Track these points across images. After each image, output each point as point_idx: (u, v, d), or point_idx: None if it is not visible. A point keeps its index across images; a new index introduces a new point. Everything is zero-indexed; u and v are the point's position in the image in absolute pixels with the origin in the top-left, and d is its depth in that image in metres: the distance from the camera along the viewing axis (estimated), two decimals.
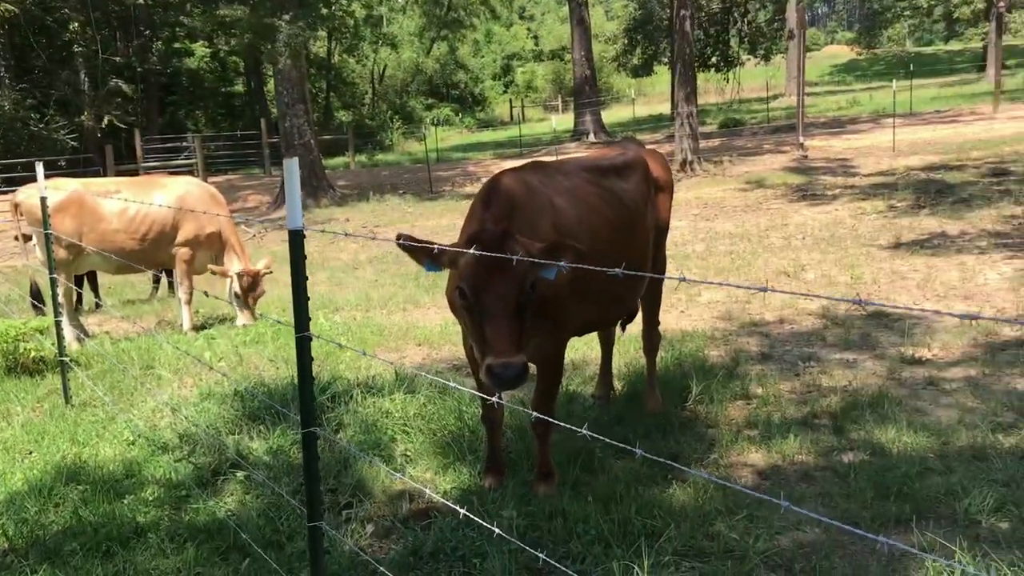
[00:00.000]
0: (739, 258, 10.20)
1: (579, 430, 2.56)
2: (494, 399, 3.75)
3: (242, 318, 8.39)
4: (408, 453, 4.91)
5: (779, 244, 10.99)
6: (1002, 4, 28.60)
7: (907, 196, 13.63)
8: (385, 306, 9.17)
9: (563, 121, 34.66)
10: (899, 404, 5.22)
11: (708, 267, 9.81)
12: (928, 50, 67.03)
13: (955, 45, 66.62)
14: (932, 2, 46.46)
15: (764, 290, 2.07)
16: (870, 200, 13.76)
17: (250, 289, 8.38)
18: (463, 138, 45.60)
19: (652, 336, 5.45)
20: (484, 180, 19.27)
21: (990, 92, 28.48)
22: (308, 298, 2.95)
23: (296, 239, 2.84)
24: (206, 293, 5.04)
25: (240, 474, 4.65)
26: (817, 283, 8.69)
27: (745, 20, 49.01)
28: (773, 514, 3.90)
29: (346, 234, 2.99)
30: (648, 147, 5.54)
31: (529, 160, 4.91)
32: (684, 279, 2.43)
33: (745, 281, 9.05)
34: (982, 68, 44.52)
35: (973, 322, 6.87)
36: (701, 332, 7.11)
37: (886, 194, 14.10)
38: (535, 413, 4.10)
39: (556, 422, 3.15)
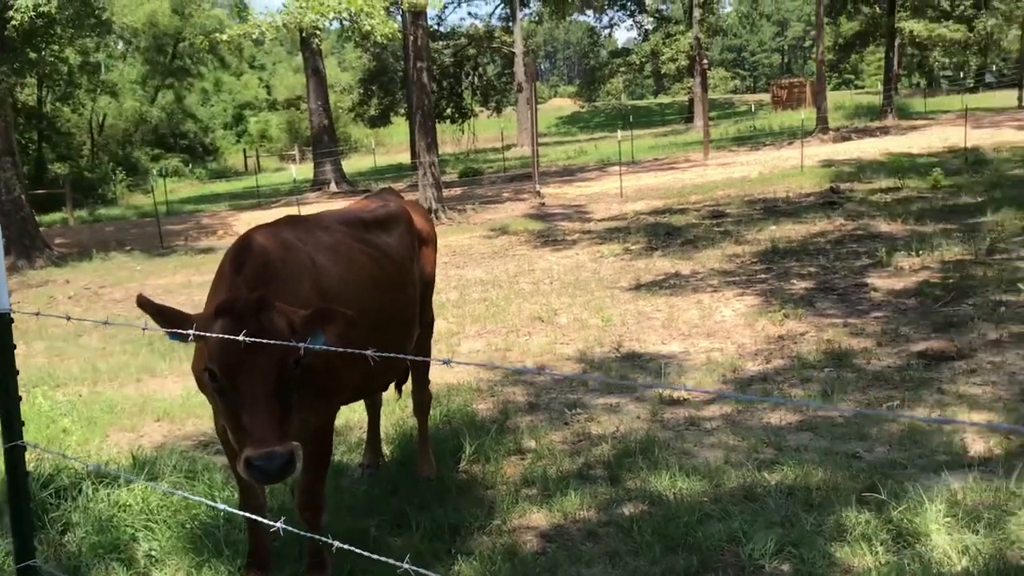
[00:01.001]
0: (493, 305, 10.18)
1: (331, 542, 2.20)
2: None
3: None
4: (153, 553, 4.26)
5: (529, 289, 11.11)
6: (705, 62, 31.45)
7: (640, 239, 14.35)
8: (116, 377, 8.23)
9: (302, 171, 33.86)
10: (667, 447, 5.26)
11: (464, 315, 9.71)
12: (642, 103, 72.71)
13: (664, 99, 72.76)
14: (643, 59, 50.34)
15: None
16: (607, 244, 14.34)
17: None
18: (195, 189, 43.44)
19: (422, 396, 5.16)
20: (220, 233, 18.11)
21: (700, 141, 31.11)
22: (20, 397, 2.37)
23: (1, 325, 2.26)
24: None
25: None
26: (571, 327, 8.81)
27: (476, 74, 50.80)
28: None
29: (68, 318, 2.45)
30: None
31: (283, 215, 4.47)
32: (448, 362, 2.17)
33: (502, 327, 9.01)
34: (690, 119, 48.77)
35: (720, 358, 7.18)
36: (466, 385, 6.91)
37: (620, 238, 14.77)
38: (303, 498, 3.67)
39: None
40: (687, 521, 4.19)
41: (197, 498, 3.89)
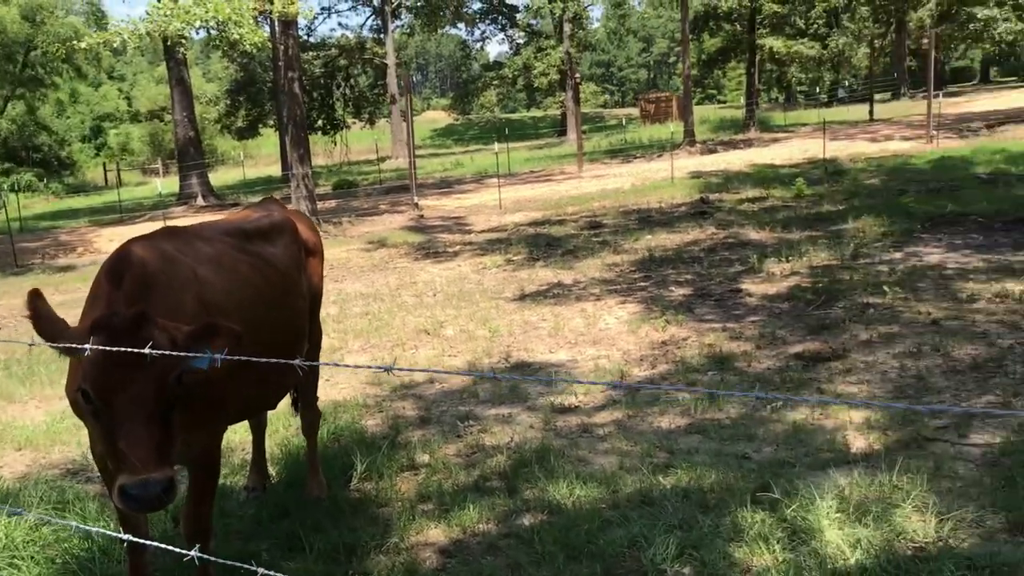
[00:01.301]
0: (376, 319, 10.00)
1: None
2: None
3: None
4: None
5: (412, 302, 10.97)
6: (577, 76, 31.99)
7: (521, 250, 14.41)
8: None
9: (168, 184, 32.60)
10: (562, 455, 5.24)
11: (347, 330, 9.49)
12: (515, 116, 73.42)
13: (536, 112, 73.72)
14: (516, 73, 50.84)
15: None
16: (489, 255, 14.34)
17: None
18: (51, 205, 41.24)
19: (311, 415, 4.96)
20: (80, 250, 17.22)
21: (574, 154, 31.59)
22: None
23: None
24: None
25: None
26: (458, 338, 8.72)
27: (348, 85, 50.21)
28: None
29: None
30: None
31: (161, 227, 4.23)
32: (391, 368, 2.06)
33: (387, 341, 8.85)
34: (563, 132, 49.60)
35: (608, 365, 7.24)
36: (354, 401, 6.73)
37: (502, 249, 14.80)
38: (190, 524, 3.46)
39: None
40: (587, 529, 4.17)
41: (71, 523, 3.61)
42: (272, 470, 5.34)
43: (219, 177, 42.42)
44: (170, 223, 21.26)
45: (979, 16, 35.77)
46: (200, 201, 31.18)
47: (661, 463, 5.02)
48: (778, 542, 3.90)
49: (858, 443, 5.12)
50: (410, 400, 6.80)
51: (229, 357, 2.83)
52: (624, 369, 7.13)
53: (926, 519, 3.98)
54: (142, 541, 3.10)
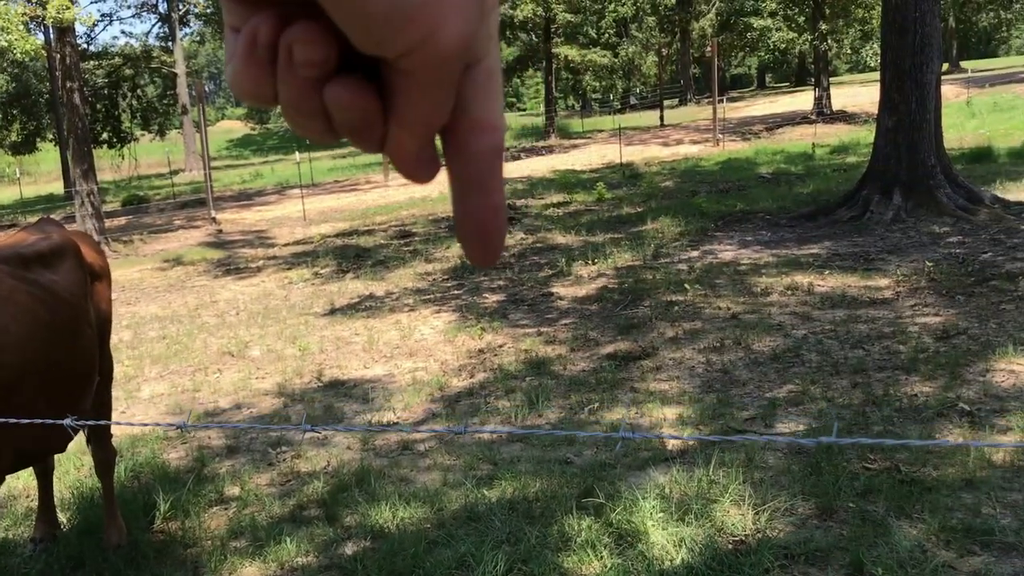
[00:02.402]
0: (175, 342, 9.38)
1: None
2: None
3: None
4: None
5: (214, 322, 10.40)
6: None
7: (329, 262, 14.02)
8: None
9: None
10: (383, 476, 5.05)
11: (143, 356, 8.85)
12: None
13: None
14: None
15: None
16: (295, 269, 13.86)
17: None
18: None
19: (105, 454, 4.50)
20: None
21: (380, 162, 31.22)
22: None
23: None
24: None
25: None
26: (265, 358, 8.32)
27: (135, 95, 47.49)
28: None
29: None
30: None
31: None
32: (184, 426, 1.83)
33: (188, 366, 8.31)
34: None
35: (426, 377, 7.10)
36: (153, 433, 6.23)
37: (309, 262, 14.34)
38: None
39: None
40: (413, 552, 4.01)
41: None
42: (63, 517, 4.84)
43: None
44: None
45: (755, 26, 38.38)
46: None
47: (485, 475, 4.93)
48: (605, 548, 3.89)
49: (674, 440, 5.23)
50: (215, 429, 6.38)
51: None
52: (443, 380, 7.01)
53: (744, 512, 4.09)
54: None
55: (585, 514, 4.22)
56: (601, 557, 3.83)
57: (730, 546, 3.82)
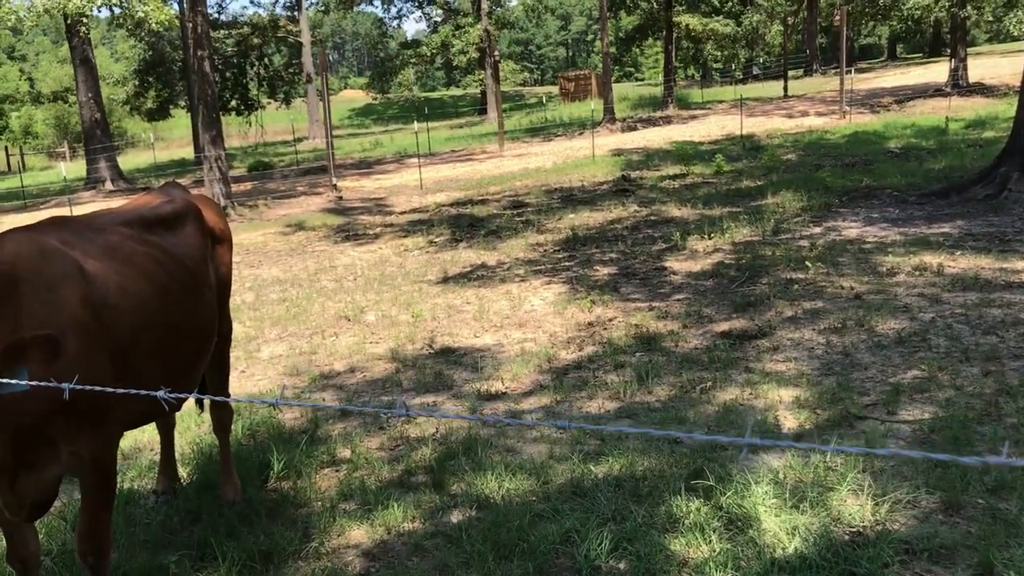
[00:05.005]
0: (294, 305, 9.64)
1: None
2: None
3: None
4: None
5: (332, 287, 10.64)
6: (496, 55, 31.68)
7: (443, 231, 14.15)
8: None
9: (73, 169, 31.26)
10: (490, 446, 5.05)
11: (263, 317, 9.13)
12: (434, 95, 72.64)
13: (455, 91, 73.05)
14: (434, 51, 50.20)
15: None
16: (411, 237, 14.04)
17: None
18: None
19: (222, 412, 4.65)
20: None
21: (495, 132, 31.33)
22: None
23: None
24: None
25: None
26: (380, 324, 8.45)
27: (262, 64, 48.91)
28: None
29: None
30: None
31: (48, 216, 3.86)
32: (276, 403, 1.83)
33: (306, 329, 8.53)
34: (483, 111, 49.21)
35: (534, 348, 7.07)
36: (270, 393, 6.43)
37: (424, 230, 14.51)
38: (83, 540, 3.17)
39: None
40: (518, 524, 3.98)
41: None
42: (183, 472, 5.03)
43: (129, 160, 40.95)
44: (77, 210, 20.38)
45: None
46: (109, 185, 29.99)
47: (592, 451, 4.87)
48: (714, 532, 3.78)
49: (789, 423, 5.05)
50: (330, 391, 6.53)
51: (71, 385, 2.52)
52: (551, 352, 6.97)
53: (862, 502, 3.91)
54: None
55: (694, 496, 4.11)
56: (710, 541, 3.72)
57: (847, 537, 3.65)
